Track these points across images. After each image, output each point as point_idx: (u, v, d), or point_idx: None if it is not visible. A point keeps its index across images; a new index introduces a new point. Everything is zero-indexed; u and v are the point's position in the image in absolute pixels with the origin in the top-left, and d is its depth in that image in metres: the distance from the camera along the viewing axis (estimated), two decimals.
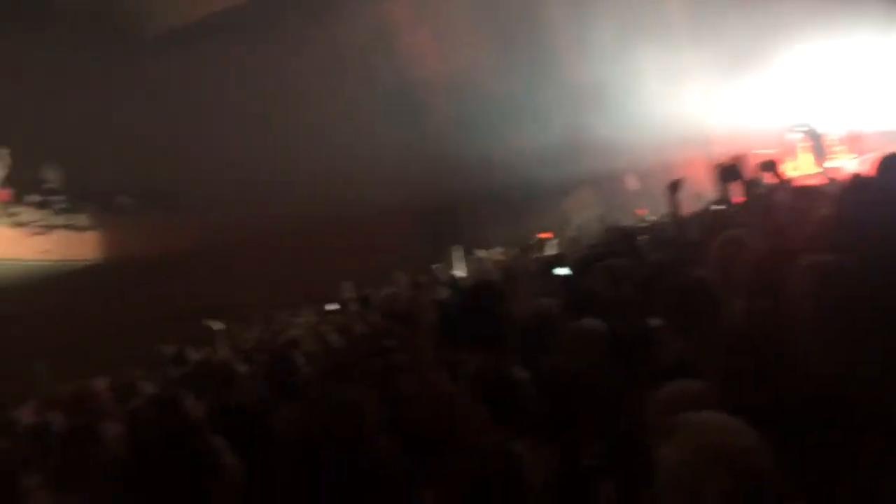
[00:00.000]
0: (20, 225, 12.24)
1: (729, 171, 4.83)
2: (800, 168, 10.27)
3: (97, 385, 4.08)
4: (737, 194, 5.28)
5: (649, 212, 10.72)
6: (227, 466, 2.43)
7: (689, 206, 6.40)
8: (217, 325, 7.79)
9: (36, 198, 13.02)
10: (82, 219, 14.00)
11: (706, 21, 13.36)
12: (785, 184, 5.92)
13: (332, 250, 13.20)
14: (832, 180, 6.42)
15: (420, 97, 16.33)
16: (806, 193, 5.25)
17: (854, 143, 10.08)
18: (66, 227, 13.48)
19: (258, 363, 5.22)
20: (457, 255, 9.29)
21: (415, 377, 2.97)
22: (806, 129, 10.58)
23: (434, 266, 9.10)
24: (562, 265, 5.75)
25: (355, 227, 14.11)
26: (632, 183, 14.18)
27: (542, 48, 15.35)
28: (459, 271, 8.69)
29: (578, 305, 3.70)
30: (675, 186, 5.07)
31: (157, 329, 9.39)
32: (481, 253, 9.42)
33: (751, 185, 5.60)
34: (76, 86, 14.07)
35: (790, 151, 10.65)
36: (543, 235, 11.66)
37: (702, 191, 7.18)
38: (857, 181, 3.91)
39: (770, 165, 6.00)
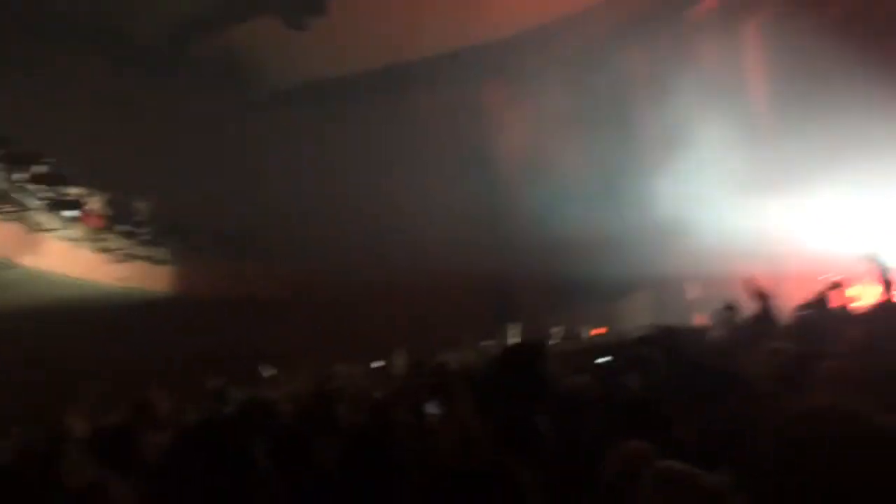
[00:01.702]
0: (105, 250, 12.98)
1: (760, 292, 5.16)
2: (863, 296, 10.10)
3: (155, 395, 4.40)
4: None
5: (707, 321, 10.66)
6: (265, 473, 2.70)
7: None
8: (267, 370, 8.09)
9: (125, 227, 13.81)
10: (162, 252, 14.76)
11: (792, 134, 13.50)
12: (841, 307, 6.03)
13: (390, 313, 13.51)
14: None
15: (501, 177, 16.85)
16: (851, 318, 5.40)
17: None
18: (146, 258, 14.23)
19: (299, 404, 5.45)
20: (513, 332, 9.44)
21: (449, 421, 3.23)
22: (875, 259, 10.45)
23: (488, 341, 9.27)
24: (605, 355, 5.95)
25: (417, 293, 14.43)
26: (693, 291, 14.09)
27: (627, 143, 15.68)
28: None
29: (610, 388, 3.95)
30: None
31: (208, 366, 9.72)
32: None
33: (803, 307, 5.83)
34: (188, 129, 15.17)
35: (858, 279, 10.51)
36: (596, 331, 11.70)
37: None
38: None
39: (831, 288, 6.13)
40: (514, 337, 9.43)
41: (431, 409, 3.66)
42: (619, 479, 2.51)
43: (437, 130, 16.48)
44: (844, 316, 5.67)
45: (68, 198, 11.80)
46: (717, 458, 2.45)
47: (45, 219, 11.22)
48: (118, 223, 13.64)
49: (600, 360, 5.71)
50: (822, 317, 5.54)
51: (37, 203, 10.97)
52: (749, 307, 6.32)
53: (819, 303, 6.04)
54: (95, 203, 12.79)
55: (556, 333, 9.91)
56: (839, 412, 1.44)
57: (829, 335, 4.34)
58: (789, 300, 6.32)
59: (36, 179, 10.97)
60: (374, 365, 8.15)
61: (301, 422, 4.57)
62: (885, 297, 6.08)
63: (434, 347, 9.38)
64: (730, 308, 8.57)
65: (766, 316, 5.38)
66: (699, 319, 11.60)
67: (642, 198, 14.43)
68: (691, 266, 13.54)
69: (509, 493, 2.24)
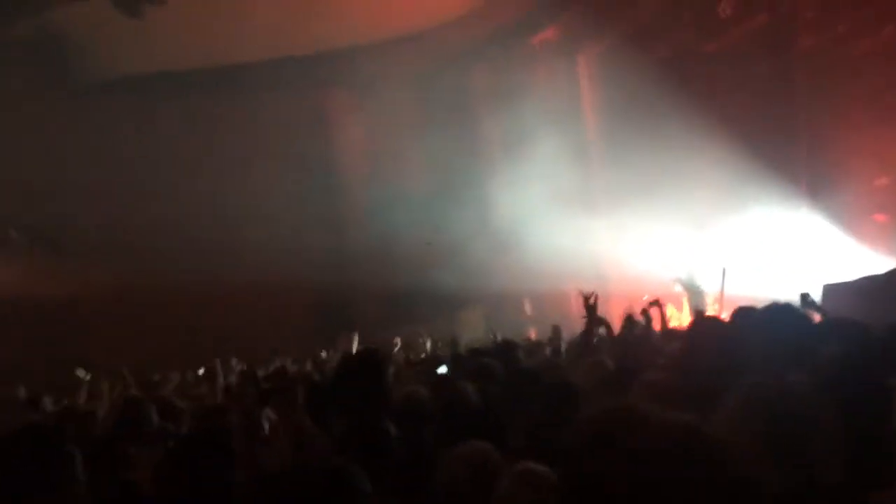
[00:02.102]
0: None
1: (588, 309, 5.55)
2: (679, 316, 10.97)
3: None
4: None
5: (538, 337, 11.15)
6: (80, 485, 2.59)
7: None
8: (83, 375, 7.56)
9: None
10: None
11: (618, 161, 14.38)
12: (659, 326, 6.53)
13: (222, 321, 13.02)
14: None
15: (340, 185, 16.74)
16: (668, 334, 5.90)
17: (725, 303, 10.85)
18: None
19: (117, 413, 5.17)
20: (351, 342, 9.39)
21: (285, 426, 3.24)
22: (689, 283, 11.38)
23: (326, 350, 9.16)
24: (441, 365, 6.08)
25: (250, 300, 14.00)
26: (527, 308, 14.68)
27: (467, 158, 16.06)
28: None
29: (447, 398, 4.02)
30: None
31: (19, 374, 8.92)
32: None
33: (626, 322, 6.27)
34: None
35: (674, 300, 11.39)
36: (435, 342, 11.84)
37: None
38: (706, 321, 4.40)
39: (651, 307, 6.60)
40: (352, 346, 9.37)
41: (267, 415, 3.60)
42: (464, 480, 2.60)
43: (274, 134, 16.07)
44: (663, 333, 6.15)
45: None
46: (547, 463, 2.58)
47: None
48: None
49: (439, 371, 5.82)
50: (642, 333, 5.97)
51: None
52: (579, 323, 6.67)
53: (641, 320, 6.49)
54: None
55: (394, 343, 9.97)
56: (625, 411, 1.65)
57: (648, 350, 4.70)
58: (614, 317, 6.73)
59: None
60: (202, 372, 7.82)
61: (118, 431, 4.36)
62: (696, 317, 6.63)
63: (269, 355, 9.18)
64: (558, 325, 9.06)
65: (593, 331, 5.73)
66: (533, 333, 12.11)
67: (478, 212, 14.86)
68: (524, 282, 14.08)
69: (343, 497, 2.23)
